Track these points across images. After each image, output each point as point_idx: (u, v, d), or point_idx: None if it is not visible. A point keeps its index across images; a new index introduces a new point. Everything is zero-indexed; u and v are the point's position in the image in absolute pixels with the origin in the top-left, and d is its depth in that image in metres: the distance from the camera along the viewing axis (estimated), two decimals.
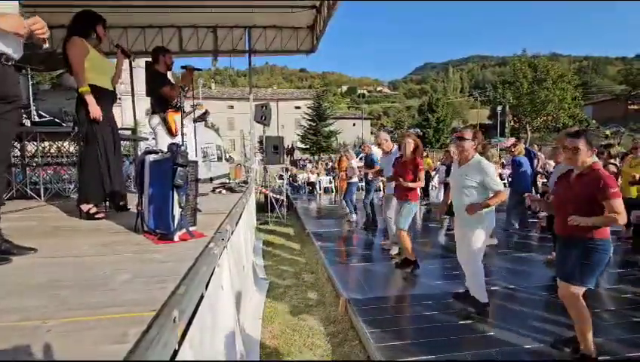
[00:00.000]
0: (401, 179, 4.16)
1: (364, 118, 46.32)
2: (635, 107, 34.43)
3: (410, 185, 4.12)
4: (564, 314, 2.94)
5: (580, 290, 2.25)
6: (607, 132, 32.98)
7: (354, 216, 7.50)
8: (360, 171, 7.67)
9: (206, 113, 5.52)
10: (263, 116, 8.19)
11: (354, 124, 44.79)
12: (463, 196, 3.01)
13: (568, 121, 31.83)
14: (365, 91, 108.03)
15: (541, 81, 31.20)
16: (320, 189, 13.52)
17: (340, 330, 3.05)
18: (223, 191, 4.91)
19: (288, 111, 41.19)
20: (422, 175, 4.19)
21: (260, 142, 12.08)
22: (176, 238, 2.06)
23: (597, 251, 2.18)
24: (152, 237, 2.14)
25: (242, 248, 3.30)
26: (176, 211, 2.02)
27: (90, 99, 2.79)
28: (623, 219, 2.10)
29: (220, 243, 2.03)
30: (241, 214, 3.59)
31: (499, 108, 34.67)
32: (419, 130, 37.89)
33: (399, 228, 4.17)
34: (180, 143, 2.82)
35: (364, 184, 7.84)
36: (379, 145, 5.40)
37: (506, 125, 35.41)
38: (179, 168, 1.96)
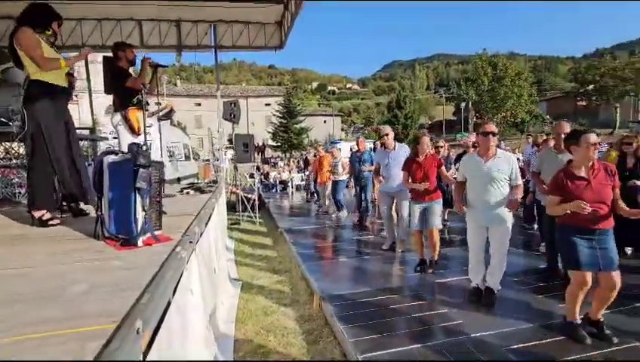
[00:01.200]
0: (418, 182, 3.97)
1: (335, 115, 46.65)
2: (583, 103, 37.12)
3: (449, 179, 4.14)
4: (535, 301, 3.13)
5: None
6: None
7: (344, 213, 7.28)
8: (345, 168, 7.28)
9: (171, 111, 5.29)
10: (231, 114, 7.99)
11: (325, 121, 44.98)
12: (492, 189, 3.03)
13: (525, 117, 33.89)
14: (335, 88, 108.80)
15: (500, 79, 32.93)
16: (292, 187, 13.45)
17: (314, 328, 3.05)
18: (191, 192, 4.75)
19: (258, 108, 40.60)
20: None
21: (230, 141, 11.81)
22: (140, 243, 1.96)
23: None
24: (113, 243, 2.03)
25: (213, 250, 3.20)
26: (140, 215, 1.92)
27: (70, 62, 2.76)
28: None
29: (187, 246, 1.96)
30: (210, 215, 3.48)
31: (462, 104, 36.16)
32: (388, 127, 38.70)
33: (436, 227, 4.01)
34: (142, 143, 2.68)
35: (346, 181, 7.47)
36: (384, 139, 4.89)
37: (470, 121, 37.04)
38: (141, 169, 1.86)
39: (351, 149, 8.38)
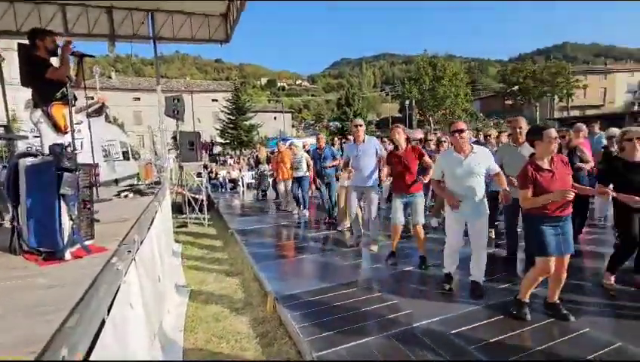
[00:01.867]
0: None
1: (285, 112, 46.30)
2: (510, 102, 41.19)
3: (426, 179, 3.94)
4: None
5: None
6: (491, 123, 39.14)
7: (306, 211, 7.21)
8: (310, 164, 7.09)
9: (103, 106, 4.82)
10: (175, 110, 7.52)
11: (275, 118, 44.44)
12: (472, 183, 3.12)
13: (462, 115, 36.64)
14: (285, 84, 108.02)
15: (440, 79, 35.19)
16: (243, 186, 13.07)
17: (269, 330, 3.00)
18: (131, 195, 4.37)
19: (205, 104, 38.86)
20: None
21: (174, 138, 11.10)
22: (67, 256, 1.74)
23: None
24: (34, 257, 1.78)
25: (157, 257, 2.98)
26: (66, 224, 1.71)
27: None
28: None
29: (125, 256, 1.78)
30: (153, 219, 3.23)
31: (407, 102, 37.96)
32: (338, 124, 39.35)
33: (420, 223, 3.93)
34: (67, 143, 2.39)
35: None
36: (356, 130, 4.64)
37: (413, 118, 39.11)
38: (65, 173, 1.65)
39: (303, 146, 8.33)
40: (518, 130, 3.79)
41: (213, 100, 39.33)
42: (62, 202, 1.70)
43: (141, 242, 2.29)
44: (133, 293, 1.71)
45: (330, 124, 44.45)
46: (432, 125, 35.99)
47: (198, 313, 3.42)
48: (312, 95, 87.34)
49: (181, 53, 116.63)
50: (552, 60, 44.48)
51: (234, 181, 13.47)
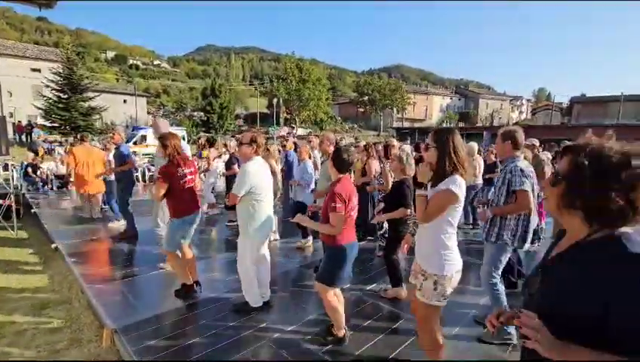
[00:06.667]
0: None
1: (139, 95, 40.13)
2: (362, 110, 47.34)
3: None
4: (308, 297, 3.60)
5: (329, 289, 2.56)
6: (347, 127, 44.09)
7: (118, 222, 6.13)
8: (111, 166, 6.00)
9: None
10: None
11: (125, 101, 38.06)
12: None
13: (324, 117, 40.03)
14: (139, 63, 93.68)
15: (305, 81, 37.33)
16: None
17: None
18: None
19: (20, 73, 29.81)
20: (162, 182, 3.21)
21: None
22: None
23: (337, 255, 2.51)
24: None
25: None
26: None
27: None
28: (337, 230, 2.42)
29: None
30: None
31: (275, 100, 38.73)
32: (202, 114, 36.67)
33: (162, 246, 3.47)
34: None
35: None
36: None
37: (281, 116, 40.27)
38: None
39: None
40: (327, 146, 4.09)
41: (33, 70, 30.52)
42: None
43: None
44: None
45: (194, 114, 41.07)
46: (297, 124, 37.90)
47: None
48: (173, 80, 78.41)
49: None
50: (392, 78, 53.27)
51: (63, 178, 10.80)
